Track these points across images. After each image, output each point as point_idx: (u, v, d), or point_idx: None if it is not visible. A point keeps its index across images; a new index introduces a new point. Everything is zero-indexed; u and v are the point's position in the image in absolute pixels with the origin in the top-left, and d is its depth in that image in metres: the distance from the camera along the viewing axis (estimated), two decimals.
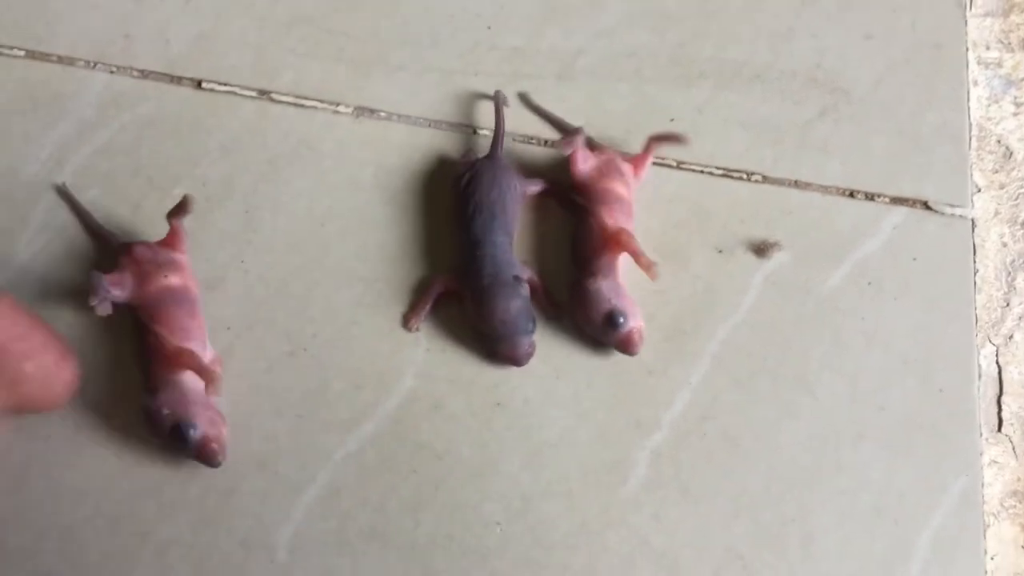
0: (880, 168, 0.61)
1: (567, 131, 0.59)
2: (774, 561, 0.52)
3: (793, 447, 0.54)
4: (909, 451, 0.54)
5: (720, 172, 0.60)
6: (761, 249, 0.58)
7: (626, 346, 0.52)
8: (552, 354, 0.55)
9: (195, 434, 0.49)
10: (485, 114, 0.61)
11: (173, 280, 0.52)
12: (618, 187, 0.55)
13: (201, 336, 0.52)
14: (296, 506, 0.52)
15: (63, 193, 0.57)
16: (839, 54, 0.64)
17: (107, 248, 0.55)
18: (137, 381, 0.52)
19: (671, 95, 0.62)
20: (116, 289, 0.51)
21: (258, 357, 0.54)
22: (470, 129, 0.61)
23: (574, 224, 0.56)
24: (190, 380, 0.50)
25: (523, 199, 0.57)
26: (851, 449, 0.54)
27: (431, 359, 0.55)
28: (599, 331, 0.53)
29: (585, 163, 0.56)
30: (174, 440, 0.49)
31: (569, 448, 0.54)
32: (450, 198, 0.57)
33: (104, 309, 0.51)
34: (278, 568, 0.51)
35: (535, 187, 0.57)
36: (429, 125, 0.61)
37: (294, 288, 0.56)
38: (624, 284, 0.54)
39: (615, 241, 0.54)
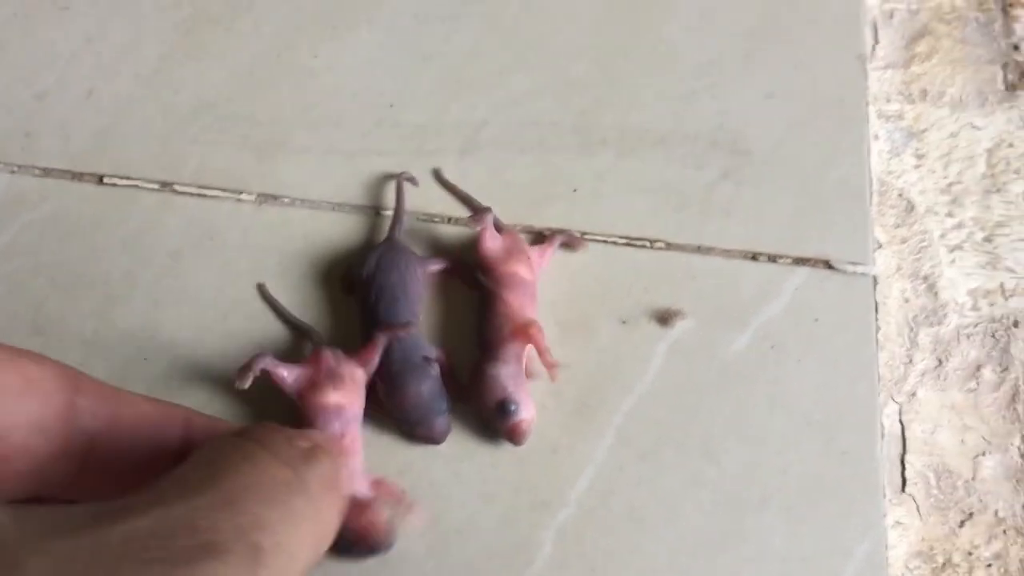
0: (782, 229, 0.61)
1: (476, 209, 0.60)
2: None
3: (698, 517, 0.55)
4: (813, 515, 0.55)
5: (623, 241, 0.61)
6: (665, 318, 0.59)
7: (513, 436, 0.53)
8: (459, 436, 0.56)
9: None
10: (388, 194, 0.61)
11: (335, 398, 0.52)
12: (523, 271, 0.56)
13: (355, 452, 0.52)
14: None
15: (263, 293, 0.58)
16: (741, 114, 0.64)
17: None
18: None
19: (574, 164, 0.63)
20: (285, 373, 0.52)
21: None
22: (373, 211, 0.61)
23: (479, 306, 0.57)
24: None
25: (425, 279, 0.57)
26: (755, 516, 0.55)
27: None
28: (490, 417, 0.53)
29: (493, 242, 0.57)
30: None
31: (475, 532, 0.54)
32: (351, 287, 0.57)
33: (243, 385, 0.51)
34: None
35: (436, 265, 0.58)
36: (332, 209, 0.61)
37: (199, 384, 0.56)
38: (523, 373, 0.54)
39: (523, 332, 0.54)
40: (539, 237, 0.59)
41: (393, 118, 0.63)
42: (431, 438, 0.54)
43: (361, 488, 0.52)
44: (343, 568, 0.52)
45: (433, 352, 0.55)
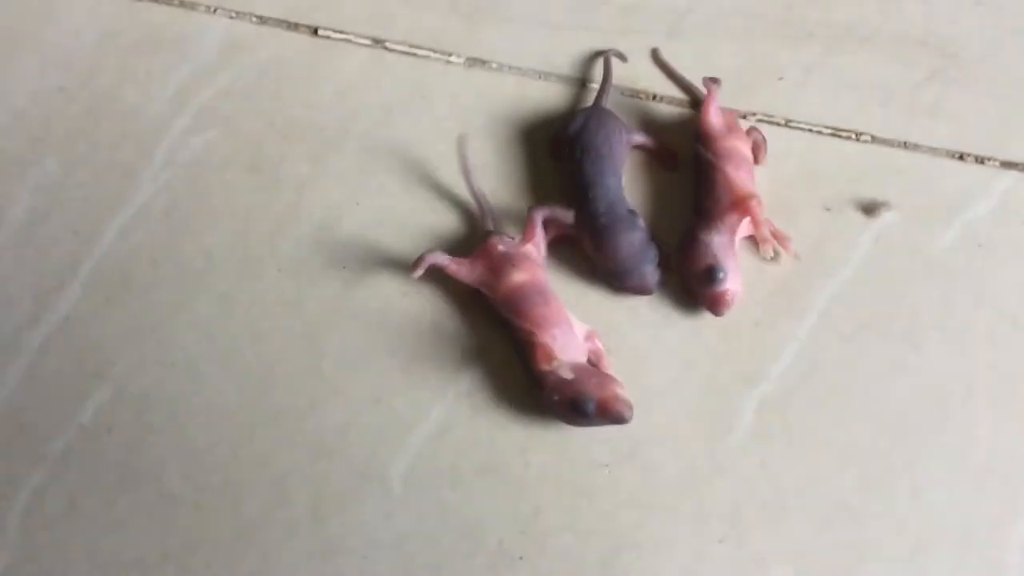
0: (990, 132, 0.60)
1: (686, 91, 0.60)
2: (882, 512, 0.52)
3: (900, 402, 0.54)
4: (1017, 411, 0.54)
5: (829, 132, 0.60)
6: (870, 209, 0.58)
7: (716, 304, 0.53)
8: (660, 303, 0.56)
9: (591, 406, 0.50)
10: (595, 68, 0.61)
11: (519, 276, 0.53)
12: (743, 147, 0.56)
13: (560, 320, 0.52)
14: (410, 441, 0.53)
15: (460, 146, 0.58)
16: (949, 18, 0.63)
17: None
18: None
19: (780, 54, 0.63)
20: (460, 268, 0.54)
21: (374, 297, 0.55)
22: (579, 82, 0.61)
23: (696, 177, 0.56)
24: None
25: (628, 146, 0.57)
26: (959, 406, 0.54)
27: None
28: (696, 282, 0.53)
29: (717, 116, 0.57)
30: (575, 414, 0.51)
31: (676, 395, 0.54)
32: (558, 146, 0.57)
33: (416, 275, 0.53)
34: (393, 501, 0.52)
35: (640, 137, 0.58)
36: (539, 77, 0.61)
37: (408, 228, 0.57)
38: (735, 246, 0.54)
39: (743, 204, 0.54)
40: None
41: None
42: (644, 287, 0.55)
43: (580, 352, 0.52)
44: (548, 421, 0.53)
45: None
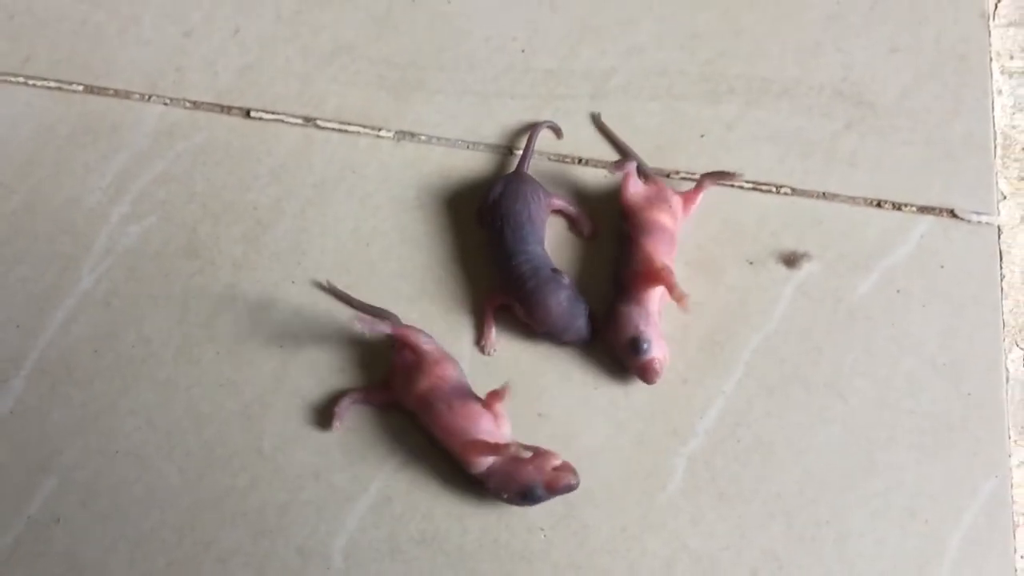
0: (907, 178, 0.62)
1: (622, 156, 0.62)
2: (809, 562, 0.54)
3: (826, 451, 0.56)
4: (939, 454, 0.56)
5: (750, 186, 0.62)
6: (791, 260, 0.60)
7: (645, 374, 0.55)
8: (590, 366, 0.57)
9: (540, 491, 0.53)
10: (521, 136, 0.63)
11: (423, 384, 0.54)
12: (664, 218, 0.58)
13: (470, 421, 0.54)
14: (350, 515, 0.55)
15: (329, 289, 0.60)
16: (865, 67, 0.65)
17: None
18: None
19: (701, 111, 0.64)
20: (375, 396, 0.57)
21: (309, 376, 0.57)
22: (506, 150, 0.63)
23: (617, 247, 0.58)
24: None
25: (548, 209, 0.59)
26: (883, 452, 0.56)
27: (474, 370, 0.57)
28: (623, 354, 0.55)
29: (635, 188, 0.58)
30: (528, 502, 0.53)
31: (609, 455, 0.56)
32: (482, 216, 0.59)
33: (337, 430, 0.56)
34: (335, 575, 0.54)
35: (559, 201, 0.60)
36: (467, 147, 0.63)
37: (342, 307, 0.59)
38: (656, 314, 0.56)
39: (654, 275, 0.56)
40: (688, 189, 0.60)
41: (524, 63, 0.65)
42: (581, 339, 0.57)
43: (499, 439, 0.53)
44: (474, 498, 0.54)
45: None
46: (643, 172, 0.60)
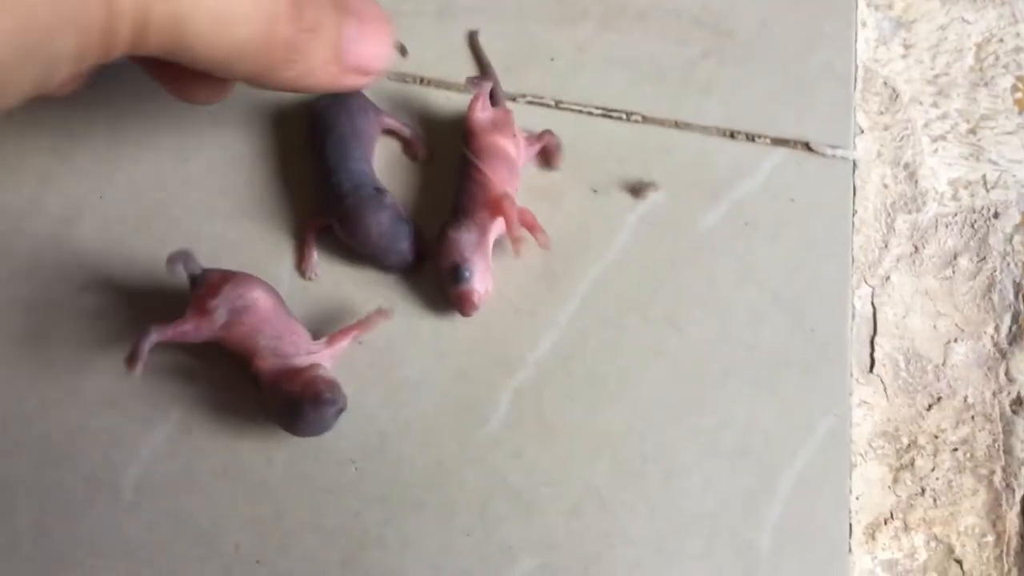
0: (763, 109, 0.60)
1: (479, 75, 0.58)
2: (633, 499, 0.51)
3: (658, 385, 0.53)
4: (777, 390, 0.53)
5: (599, 112, 0.59)
6: (637, 189, 0.57)
7: (461, 304, 0.52)
8: (415, 293, 0.54)
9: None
10: None
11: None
12: (508, 146, 0.54)
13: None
14: (144, 445, 0.51)
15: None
16: None
17: None
18: None
19: (552, 34, 0.61)
20: (184, 331, 0.50)
21: (119, 291, 0.53)
22: None
23: (456, 173, 0.55)
24: None
25: (378, 128, 0.56)
26: (717, 387, 0.53)
27: (292, 294, 0.53)
28: (444, 281, 0.52)
29: (483, 112, 0.55)
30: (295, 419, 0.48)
31: (430, 386, 0.53)
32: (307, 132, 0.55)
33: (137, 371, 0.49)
34: (123, 507, 0.50)
35: (392, 121, 0.56)
36: None
37: (155, 224, 0.55)
38: (488, 245, 0.52)
39: (496, 204, 0.52)
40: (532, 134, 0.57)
41: None
42: (404, 262, 0.54)
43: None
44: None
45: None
46: (496, 97, 0.56)
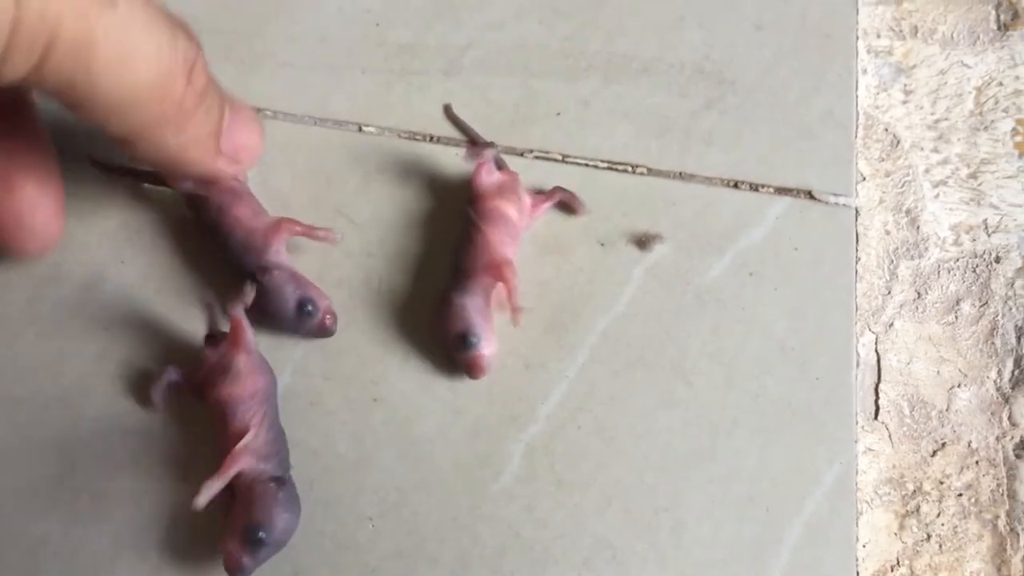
0: (765, 158, 0.61)
1: (478, 144, 0.60)
2: (644, 549, 0.52)
3: (667, 436, 0.54)
4: (784, 438, 0.55)
5: (605, 165, 0.60)
6: (643, 241, 0.59)
7: (472, 369, 0.53)
8: (430, 349, 0.55)
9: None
10: (371, 111, 0.61)
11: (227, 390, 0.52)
12: (511, 211, 0.55)
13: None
14: (167, 503, 0.52)
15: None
16: (728, 44, 0.64)
17: None
18: None
19: (558, 88, 0.63)
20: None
21: (137, 358, 0.55)
22: (355, 127, 0.61)
23: (460, 235, 0.56)
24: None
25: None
26: (725, 437, 0.54)
27: (309, 356, 0.55)
28: (451, 347, 0.53)
29: (489, 176, 0.56)
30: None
31: (444, 443, 0.54)
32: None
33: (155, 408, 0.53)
34: (150, 568, 0.51)
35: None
36: (314, 123, 0.61)
37: (170, 287, 0.56)
38: (491, 308, 0.54)
39: (497, 270, 0.54)
40: (541, 192, 0.59)
41: (379, 36, 0.63)
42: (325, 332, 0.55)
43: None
44: (315, 478, 0.52)
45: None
46: (499, 162, 0.58)
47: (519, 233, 0.56)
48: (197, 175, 0.49)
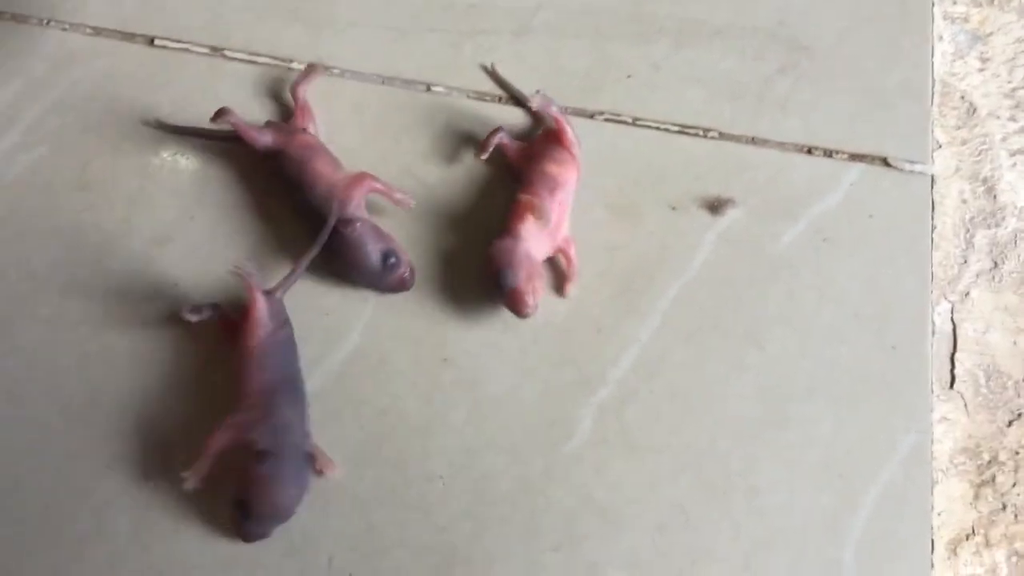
0: (840, 125, 0.60)
1: (515, 101, 0.60)
2: (718, 516, 0.52)
3: (741, 402, 0.54)
4: (859, 407, 0.54)
5: (676, 129, 0.60)
6: (715, 206, 0.58)
7: (514, 305, 0.53)
8: (499, 310, 0.55)
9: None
10: (439, 71, 0.60)
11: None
12: (550, 167, 0.55)
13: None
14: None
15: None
16: (802, 11, 0.63)
17: None
18: None
19: (629, 52, 0.62)
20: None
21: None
22: (424, 86, 0.60)
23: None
24: None
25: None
26: (800, 404, 0.54)
27: (378, 315, 0.54)
28: (496, 292, 0.53)
29: (513, 149, 0.57)
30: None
31: (514, 404, 0.53)
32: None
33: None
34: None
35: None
36: (382, 82, 0.60)
37: (241, 243, 0.56)
38: (531, 250, 0.53)
39: (517, 206, 0.54)
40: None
41: None
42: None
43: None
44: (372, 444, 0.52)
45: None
46: (539, 116, 0.58)
47: (560, 182, 0.55)
48: None
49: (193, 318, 0.51)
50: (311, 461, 0.49)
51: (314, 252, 0.51)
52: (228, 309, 0.52)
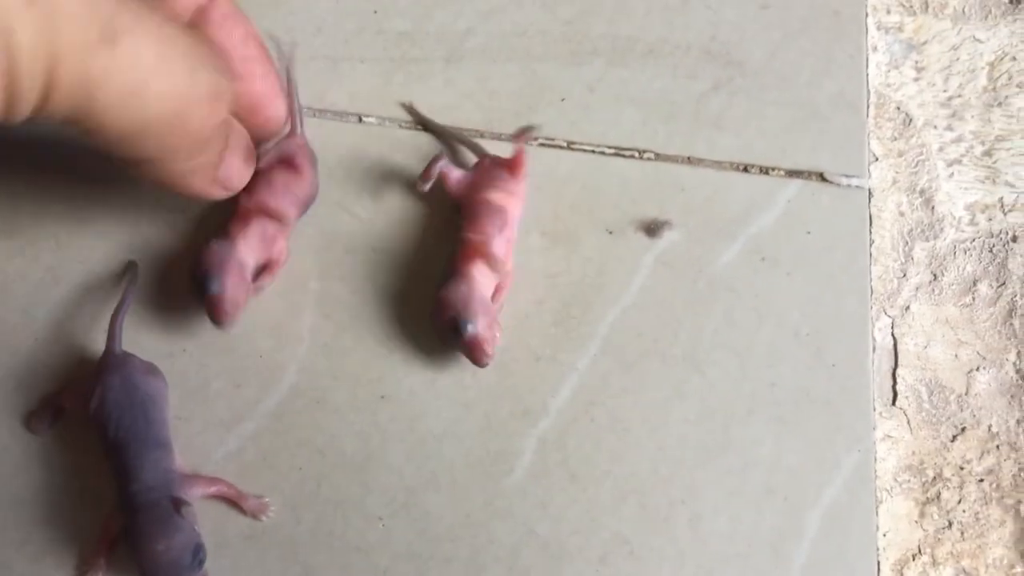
0: (776, 141, 0.60)
1: (442, 140, 0.59)
2: (661, 544, 0.51)
3: (682, 427, 0.53)
4: (801, 427, 0.53)
5: (612, 151, 0.59)
6: (652, 229, 0.57)
7: (472, 353, 0.51)
8: (436, 345, 0.54)
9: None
10: (370, 102, 0.59)
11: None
12: (493, 196, 0.54)
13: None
14: None
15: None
16: (735, 25, 0.62)
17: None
18: None
19: (562, 74, 0.61)
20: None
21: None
22: (355, 117, 0.59)
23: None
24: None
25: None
26: (741, 427, 0.53)
27: (313, 354, 0.54)
28: (449, 339, 0.52)
29: (456, 179, 0.55)
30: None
31: (454, 439, 0.53)
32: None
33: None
34: None
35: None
36: (313, 115, 0.59)
37: (171, 288, 0.55)
38: (484, 293, 0.52)
39: (468, 246, 0.53)
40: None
41: (376, 25, 0.61)
42: None
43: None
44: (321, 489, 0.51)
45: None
46: (479, 153, 0.57)
47: (506, 212, 0.54)
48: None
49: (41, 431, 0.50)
50: (179, 506, 0.46)
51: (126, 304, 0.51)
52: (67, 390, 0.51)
